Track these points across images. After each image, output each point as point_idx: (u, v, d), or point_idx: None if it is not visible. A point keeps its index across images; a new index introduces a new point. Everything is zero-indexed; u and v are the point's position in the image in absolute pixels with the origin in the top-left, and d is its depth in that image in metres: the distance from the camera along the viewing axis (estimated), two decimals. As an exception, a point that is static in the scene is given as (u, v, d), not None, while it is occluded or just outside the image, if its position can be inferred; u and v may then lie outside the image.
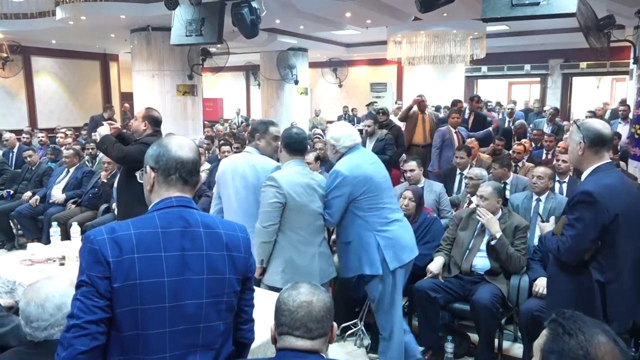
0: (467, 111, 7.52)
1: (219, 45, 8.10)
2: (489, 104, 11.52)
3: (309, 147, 7.08)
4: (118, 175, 3.76)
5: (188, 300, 1.36)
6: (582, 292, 2.26)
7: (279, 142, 2.92)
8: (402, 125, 7.27)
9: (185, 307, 1.36)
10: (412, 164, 4.41)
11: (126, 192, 3.54)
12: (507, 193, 4.50)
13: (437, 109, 10.98)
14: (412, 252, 2.90)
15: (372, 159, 2.95)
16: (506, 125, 8.47)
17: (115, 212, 3.72)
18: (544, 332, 1.22)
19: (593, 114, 7.80)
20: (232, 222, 1.57)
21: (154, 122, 3.57)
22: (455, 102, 7.84)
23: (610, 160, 2.28)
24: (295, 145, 2.81)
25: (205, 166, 5.77)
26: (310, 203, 2.75)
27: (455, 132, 6.29)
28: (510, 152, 5.85)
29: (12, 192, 6.14)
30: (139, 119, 3.58)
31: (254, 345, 2.04)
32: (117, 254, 1.30)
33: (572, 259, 2.26)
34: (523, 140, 6.09)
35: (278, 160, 3.01)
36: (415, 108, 7.10)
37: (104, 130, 3.56)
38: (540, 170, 3.89)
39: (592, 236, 2.19)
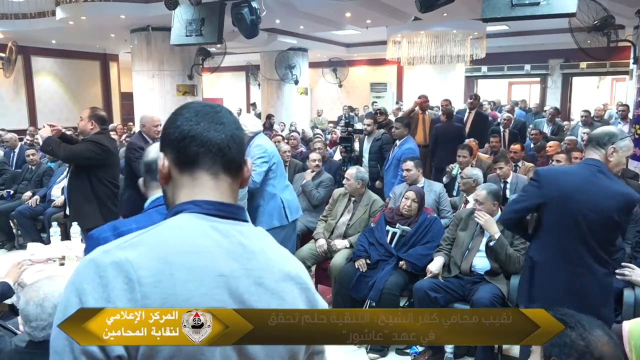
0: (467, 111, 7.50)
1: (218, 45, 8.11)
2: (483, 103, 11.47)
3: (311, 147, 7.11)
4: (68, 176, 3.80)
5: None
6: (524, 270, 2.55)
7: None
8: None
9: None
10: (409, 164, 4.36)
11: (76, 191, 3.58)
12: (507, 192, 4.50)
13: (432, 108, 10.93)
14: (298, 211, 4.06)
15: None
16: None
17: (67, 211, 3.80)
18: None
19: (588, 114, 7.79)
20: None
21: (100, 120, 3.63)
22: (472, 96, 7.48)
23: (594, 158, 2.32)
24: None
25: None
26: None
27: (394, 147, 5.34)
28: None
29: (12, 192, 6.14)
30: (85, 119, 3.62)
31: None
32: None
33: (503, 217, 2.62)
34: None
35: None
36: (416, 108, 7.10)
37: (45, 132, 3.59)
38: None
39: (524, 205, 2.42)
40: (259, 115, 12.23)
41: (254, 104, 14.41)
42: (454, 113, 7.63)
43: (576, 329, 1.20)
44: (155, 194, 1.49)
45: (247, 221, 0.92)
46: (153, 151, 1.62)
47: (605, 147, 2.28)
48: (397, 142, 5.28)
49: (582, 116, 7.84)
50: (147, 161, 1.60)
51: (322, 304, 0.98)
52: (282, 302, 0.89)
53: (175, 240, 0.83)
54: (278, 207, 3.83)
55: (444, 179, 5.20)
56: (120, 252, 0.80)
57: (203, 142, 0.88)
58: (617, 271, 2.64)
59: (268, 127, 10.66)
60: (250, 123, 3.81)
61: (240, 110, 14.03)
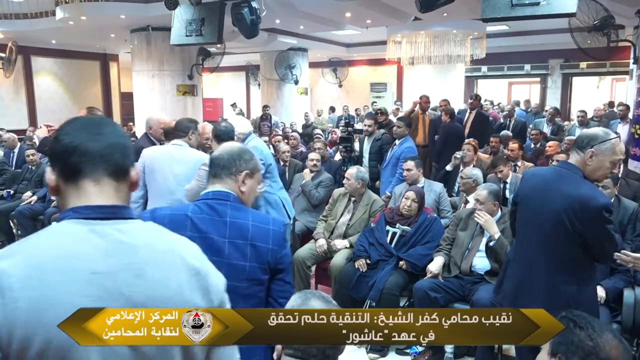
0: (468, 111, 7.49)
1: (218, 45, 8.12)
2: (485, 103, 11.49)
3: (311, 147, 7.11)
4: None
5: None
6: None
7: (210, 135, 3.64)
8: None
9: None
10: (410, 164, 4.36)
11: None
12: (507, 192, 4.50)
13: (435, 109, 10.96)
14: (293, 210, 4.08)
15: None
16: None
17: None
18: None
19: (584, 114, 7.79)
20: (268, 216, 1.75)
21: None
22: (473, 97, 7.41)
23: (566, 161, 2.27)
24: (223, 135, 3.38)
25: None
26: None
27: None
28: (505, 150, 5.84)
29: (12, 192, 6.15)
30: None
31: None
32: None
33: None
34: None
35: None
36: (416, 108, 7.10)
37: (42, 132, 3.61)
38: None
39: (510, 210, 2.60)
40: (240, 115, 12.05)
41: (234, 104, 14.02)
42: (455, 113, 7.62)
43: (586, 329, 1.22)
44: (210, 188, 1.68)
45: (131, 218, 0.99)
46: (219, 150, 1.82)
47: (584, 151, 2.14)
48: (397, 142, 5.30)
49: (578, 116, 7.85)
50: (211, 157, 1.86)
51: (216, 285, 1.03)
52: (167, 289, 0.95)
53: (50, 247, 0.91)
54: (279, 206, 3.85)
55: (448, 167, 5.20)
56: None
57: (83, 152, 0.96)
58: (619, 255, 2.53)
59: (265, 119, 10.65)
60: (239, 124, 3.84)
61: (241, 110, 14.02)
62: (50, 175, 0.99)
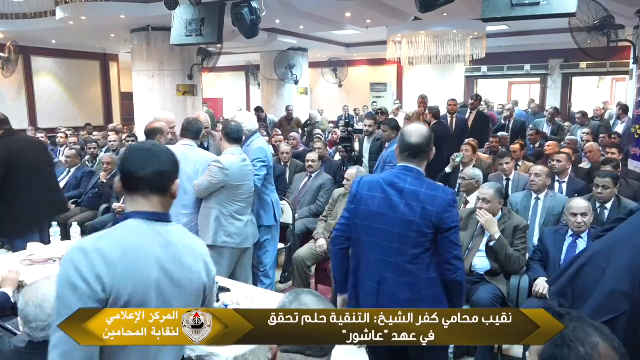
0: (468, 110, 7.49)
1: (218, 45, 8.12)
2: (490, 104, 11.49)
3: (310, 147, 7.11)
4: None
5: (387, 226, 2.10)
6: None
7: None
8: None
9: (385, 230, 2.10)
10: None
11: None
12: (510, 190, 4.52)
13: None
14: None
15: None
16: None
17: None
18: None
19: (583, 115, 7.78)
20: (439, 185, 2.19)
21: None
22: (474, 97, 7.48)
23: None
24: (233, 134, 3.53)
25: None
26: (247, 182, 3.51)
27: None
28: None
29: (12, 192, 6.13)
30: None
31: (248, 348, 2.05)
32: (356, 189, 2.23)
33: None
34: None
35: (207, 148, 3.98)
36: (417, 108, 7.10)
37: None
38: (538, 168, 3.97)
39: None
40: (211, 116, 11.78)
41: (204, 104, 13.61)
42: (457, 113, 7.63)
43: (575, 350, 1.06)
44: (400, 163, 2.16)
45: (171, 222, 1.50)
46: (411, 137, 2.13)
47: None
48: (386, 144, 5.29)
49: (577, 118, 7.85)
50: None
51: (213, 270, 1.60)
52: (192, 272, 1.49)
53: (130, 237, 1.40)
54: (269, 208, 3.95)
55: (447, 169, 5.20)
56: (98, 242, 1.36)
57: (136, 178, 1.43)
58: None
59: (260, 120, 10.61)
60: (247, 121, 3.94)
61: (240, 109, 14.00)
62: (118, 184, 1.48)
